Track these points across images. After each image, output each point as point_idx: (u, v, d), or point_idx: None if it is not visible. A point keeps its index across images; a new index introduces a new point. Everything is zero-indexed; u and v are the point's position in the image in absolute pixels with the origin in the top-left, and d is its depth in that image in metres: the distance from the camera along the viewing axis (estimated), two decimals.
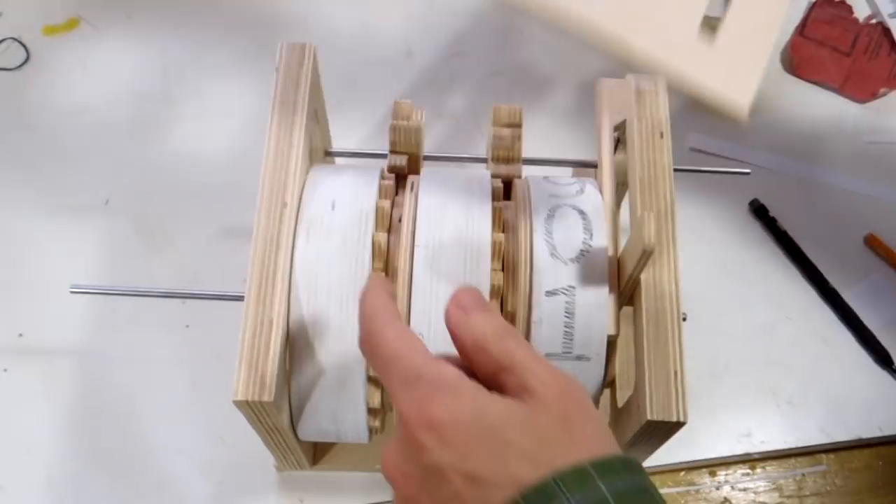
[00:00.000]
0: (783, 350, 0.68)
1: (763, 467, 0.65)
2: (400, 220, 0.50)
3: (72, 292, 0.54)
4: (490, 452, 0.33)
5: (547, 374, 0.36)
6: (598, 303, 0.48)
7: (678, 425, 0.45)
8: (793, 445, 0.65)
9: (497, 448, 0.33)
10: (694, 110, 0.78)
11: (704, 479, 0.64)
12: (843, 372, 0.67)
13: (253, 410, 0.46)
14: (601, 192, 0.53)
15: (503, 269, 0.49)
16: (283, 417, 0.48)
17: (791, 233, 0.72)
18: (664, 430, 0.46)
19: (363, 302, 0.39)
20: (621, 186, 0.56)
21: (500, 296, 0.49)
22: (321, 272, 0.48)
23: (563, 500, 0.32)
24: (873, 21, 0.81)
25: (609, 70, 0.80)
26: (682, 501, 0.64)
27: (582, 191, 0.52)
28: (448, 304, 0.38)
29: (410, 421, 0.35)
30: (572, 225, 0.50)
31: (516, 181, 0.55)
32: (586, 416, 0.36)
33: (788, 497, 0.64)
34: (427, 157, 0.57)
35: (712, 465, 0.64)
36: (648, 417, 0.45)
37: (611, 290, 0.48)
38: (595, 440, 0.35)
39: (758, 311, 0.69)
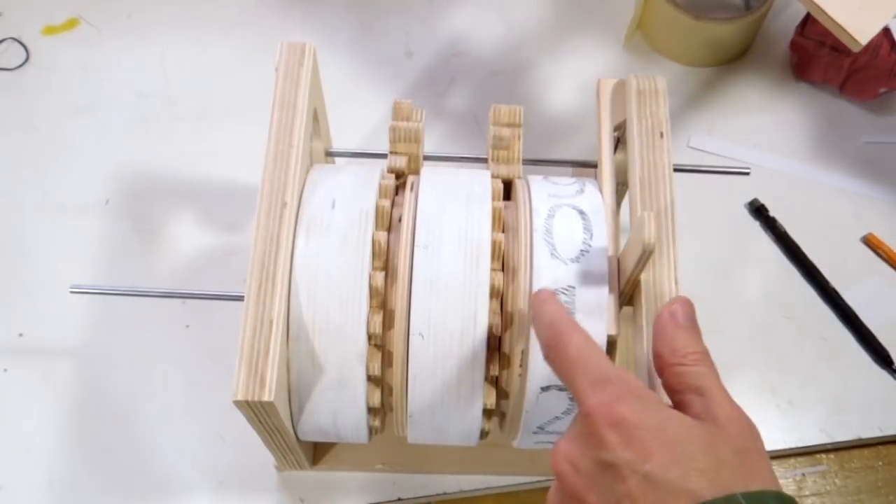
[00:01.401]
0: (783, 350, 0.68)
1: None
2: (400, 220, 0.50)
3: (72, 292, 0.54)
4: (671, 460, 0.35)
5: (732, 408, 0.38)
6: (598, 303, 0.48)
7: None
8: (793, 445, 0.65)
9: (679, 458, 0.35)
10: (694, 110, 0.78)
11: None
12: (843, 372, 0.67)
13: (253, 410, 0.46)
14: (601, 192, 0.53)
15: (503, 269, 0.49)
16: (283, 417, 0.48)
17: (791, 233, 0.72)
18: None
19: (541, 311, 0.42)
20: (621, 186, 0.56)
21: (500, 296, 0.49)
22: (321, 272, 0.48)
23: None
24: None
25: (609, 70, 0.80)
26: None
27: (582, 191, 0.52)
28: (664, 308, 0.41)
29: (597, 417, 0.36)
30: (572, 225, 0.50)
31: (516, 181, 0.55)
32: (761, 454, 0.37)
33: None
34: (427, 157, 0.57)
35: None
36: None
37: (611, 290, 0.48)
38: (768, 476, 0.36)
39: (758, 311, 0.69)
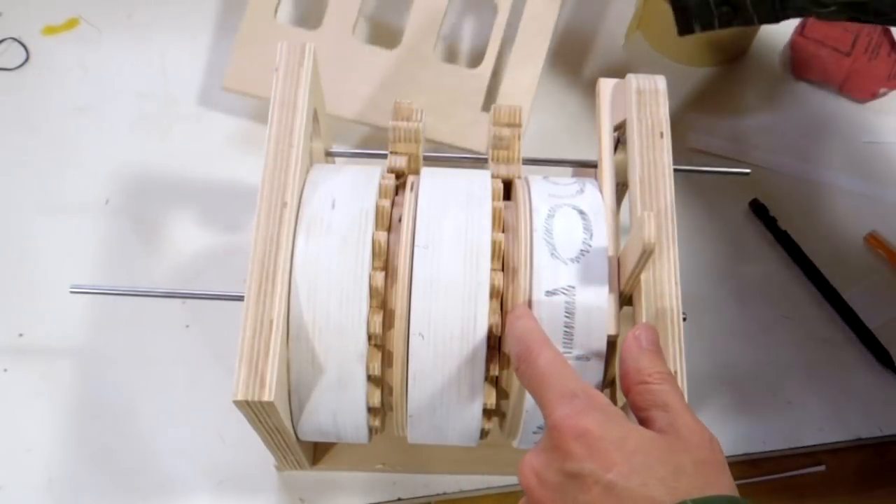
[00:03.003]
0: (783, 350, 0.68)
1: (763, 467, 0.65)
2: (400, 220, 0.50)
3: (72, 292, 0.54)
4: (632, 470, 0.36)
5: (695, 422, 0.40)
6: (598, 303, 0.48)
7: None
8: (793, 445, 0.65)
9: (639, 468, 0.36)
10: (694, 110, 0.78)
11: None
12: (843, 372, 0.67)
13: (253, 410, 0.46)
14: (601, 192, 0.53)
15: (503, 269, 0.49)
16: (283, 417, 0.48)
17: (791, 233, 0.72)
18: None
19: (515, 326, 0.45)
20: (621, 186, 0.56)
21: (500, 296, 0.49)
22: (321, 271, 0.48)
23: None
24: None
25: (609, 70, 0.80)
26: None
27: (582, 191, 0.52)
28: (629, 332, 0.43)
29: (563, 430, 0.38)
30: (572, 225, 0.50)
31: (516, 181, 0.55)
32: (721, 465, 0.39)
33: (788, 497, 0.64)
34: (427, 157, 0.57)
35: None
36: None
37: (611, 290, 0.48)
38: (727, 485, 0.38)
39: (758, 311, 0.69)
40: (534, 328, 0.44)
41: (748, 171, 0.60)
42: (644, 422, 0.40)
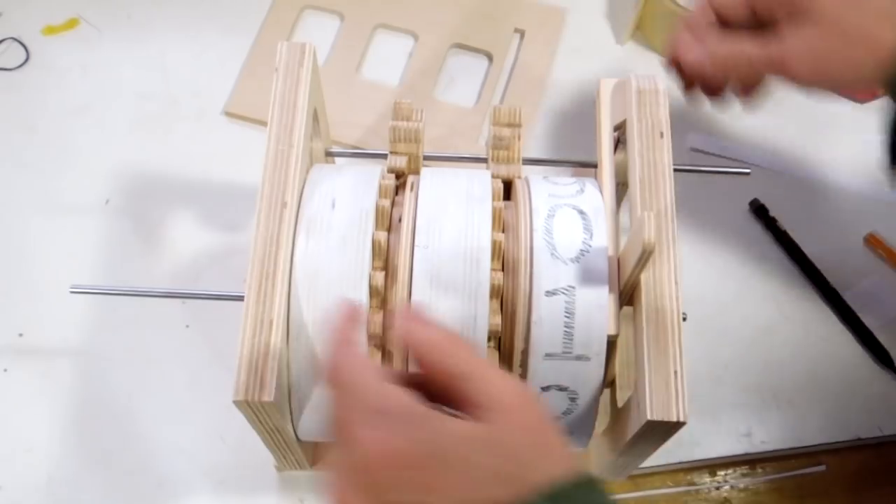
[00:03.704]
0: (783, 350, 0.68)
1: (763, 467, 0.65)
2: (400, 220, 0.50)
3: (72, 292, 0.54)
4: (458, 480, 0.33)
5: (502, 381, 0.36)
6: (598, 303, 0.48)
7: (678, 425, 0.45)
8: (793, 445, 0.65)
9: (464, 473, 0.33)
10: (694, 110, 0.78)
11: (704, 479, 0.64)
12: (843, 372, 0.67)
13: (253, 410, 0.46)
14: (601, 192, 0.53)
15: (503, 269, 0.49)
16: (283, 417, 0.48)
17: (791, 233, 0.72)
18: (664, 430, 0.46)
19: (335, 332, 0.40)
20: (621, 186, 0.56)
21: (500, 296, 0.49)
22: (321, 271, 0.48)
23: None
24: None
25: (609, 70, 0.80)
26: (682, 501, 0.64)
27: (582, 191, 0.52)
28: (396, 317, 0.38)
29: (372, 456, 0.34)
30: (572, 225, 0.50)
31: (516, 181, 0.55)
32: (545, 424, 0.36)
33: (788, 497, 0.64)
34: (427, 157, 0.57)
35: (712, 465, 0.64)
36: (648, 417, 0.45)
37: (611, 290, 0.48)
38: (560, 449, 0.36)
39: (758, 311, 0.69)
40: (343, 332, 0.39)
41: (748, 171, 0.60)
42: (455, 402, 0.36)
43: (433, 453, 0.34)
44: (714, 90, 0.55)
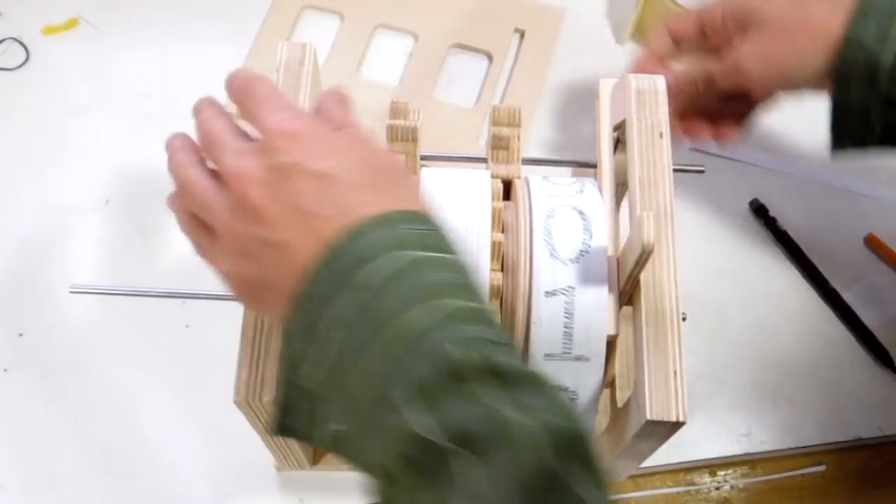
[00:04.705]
0: (783, 350, 0.68)
1: (763, 467, 0.65)
2: None
3: (71, 292, 0.54)
4: (338, 159, 0.39)
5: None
6: (597, 303, 0.48)
7: (678, 425, 0.45)
8: (793, 445, 0.65)
9: (344, 155, 0.40)
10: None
11: (704, 479, 0.64)
12: (843, 372, 0.67)
13: (253, 410, 0.46)
14: (601, 192, 0.53)
15: (502, 270, 0.49)
16: None
17: (791, 233, 0.72)
18: (664, 429, 0.46)
19: (237, 77, 0.44)
20: (621, 186, 0.56)
21: (500, 296, 0.49)
22: None
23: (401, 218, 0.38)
24: None
25: (609, 70, 0.80)
26: (682, 501, 0.64)
27: (582, 191, 0.52)
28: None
29: (272, 132, 0.40)
30: (572, 225, 0.50)
31: (516, 181, 0.55)
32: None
33: (788, 497, 0.64)
34: (426, 157, 0.57)
35: (712, 465, 0.64)
36: (648, 417, 0.45)
37: (610, 290, 0.48)
38: (413, 198, 0.41)
39: (758, 311, 0.69)
40: (252, 74, 0.44)
41: (702, 168, 0.57)
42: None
43: (323, 138, 0.40)
44: (690, 128, 0.64)
